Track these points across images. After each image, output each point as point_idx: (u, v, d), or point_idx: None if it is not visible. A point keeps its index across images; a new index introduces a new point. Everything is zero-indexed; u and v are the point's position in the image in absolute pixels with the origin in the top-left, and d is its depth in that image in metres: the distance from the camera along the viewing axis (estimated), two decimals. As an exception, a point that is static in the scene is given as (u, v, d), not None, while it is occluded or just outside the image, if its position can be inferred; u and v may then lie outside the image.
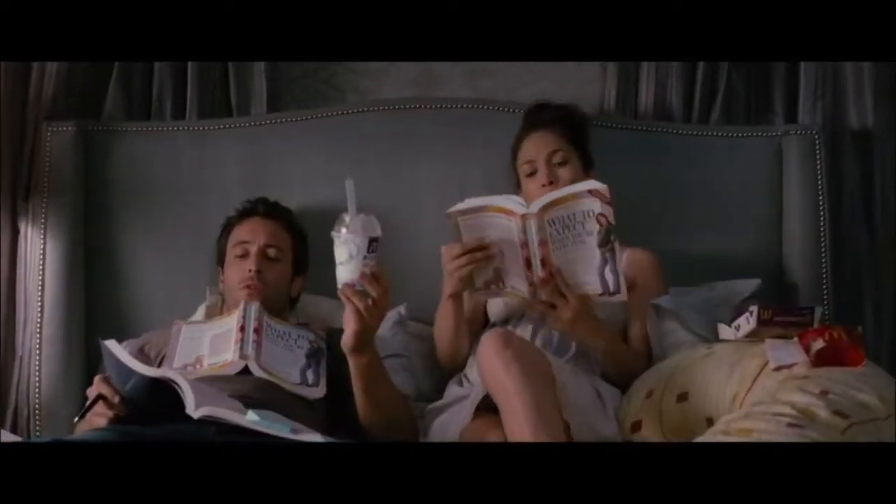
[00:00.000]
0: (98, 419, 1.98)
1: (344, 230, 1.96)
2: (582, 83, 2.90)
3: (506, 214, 2.15)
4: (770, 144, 2.80)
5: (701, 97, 2.88)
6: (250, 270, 2.38)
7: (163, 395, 1.89)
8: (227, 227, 2.52)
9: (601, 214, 2.12)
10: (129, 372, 1.91)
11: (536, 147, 2.50)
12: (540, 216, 2.12)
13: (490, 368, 2.05)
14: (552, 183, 2.43)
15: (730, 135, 2.83)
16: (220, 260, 2.51)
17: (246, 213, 2.51)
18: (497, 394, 2.04)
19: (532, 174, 2.49)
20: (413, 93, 2.91)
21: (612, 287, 2.16)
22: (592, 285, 2.17)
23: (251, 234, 2.44)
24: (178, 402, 1.86)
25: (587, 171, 2.51)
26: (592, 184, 2.13)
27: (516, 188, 2.56)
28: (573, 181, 2.39)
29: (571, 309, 2.17)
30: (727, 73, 2.88)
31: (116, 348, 1.95)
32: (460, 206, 2.19)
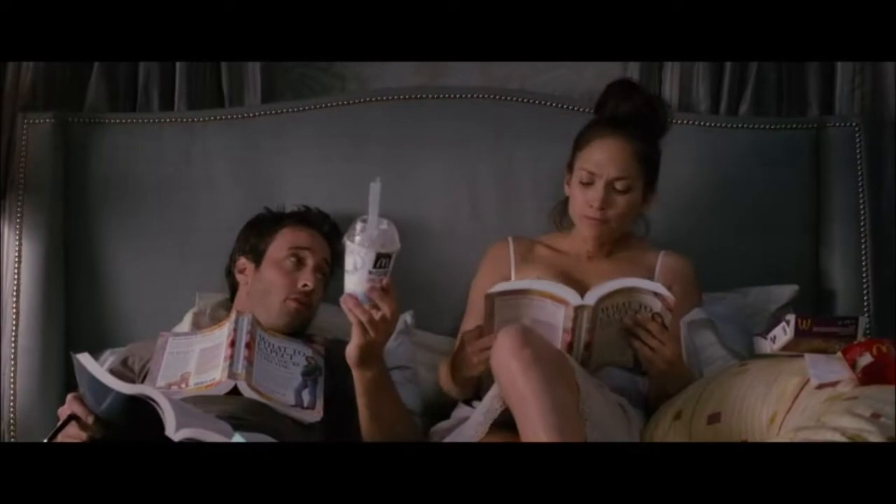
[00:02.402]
0: (70, 441, 1.87)
1: (356, 238, 1.88)
2: (602, 70, 2.75)
3: (553, 301, 2.04)
4: (805, 138, 2.70)
5: (730, 87, 2.77)
6: (305, 285, 2.28)
7: (142, 414, 1.77)
8: (276, 224, 2.39)
9: (658, 314, 2.06)
10: (104, 389, 1.80)
11: (603, 161, 2.30)
12: (595, 307, 2.03)
13: (506, 370, 1.90)
14: (604, 209, 2.29)
15: (761, 127, 2.71)
16: (250, 252, 2.38)
17: (305, 220, 2.40)
18: (512, 398, 1.90)
19: (589, 184, 2.31)
20: (418, 81, 2.80)
21: (643, 365, 2.13)
22: (626, 357, 2.13)
23: (312, 245, 2.34)
24: (159, 423, 1.75)
25: (647, 199, 2.36)
26: (659, 288, 2.06)
27: (566, 170, 2.39)
28: (627, 212, 2.31)
29: (669, 353, 2.08)
30: (758, 62, 2.76)
31: (90, 363, 1.83)
32: (502, 286, 2.08)
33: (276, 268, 2.31)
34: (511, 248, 2.42)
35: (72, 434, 1.86)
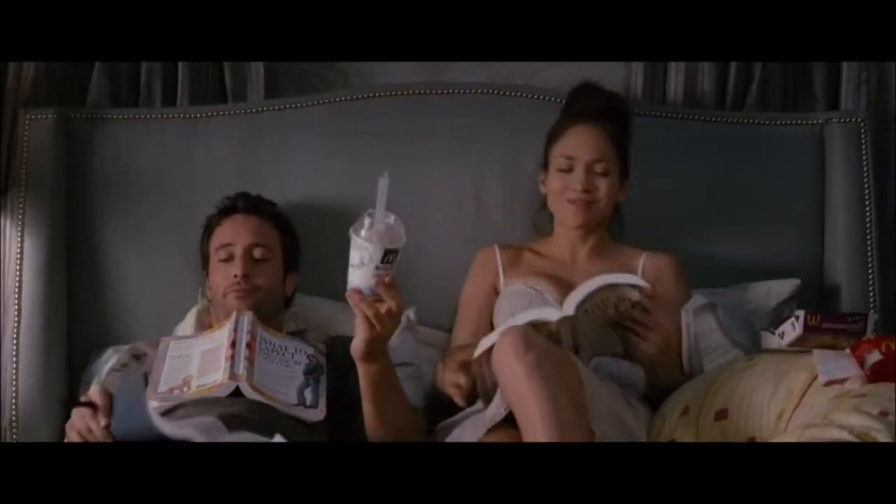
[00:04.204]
0: (74, 435, 1.84)
1: (362, 233, 1.85)
2: (607, 66, 2.73)
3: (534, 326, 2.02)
4: (811, 133, 2.68)
5: (735, 82, 2.75)
6: (236, 276, 2.26)
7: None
8: (208, 229, 2.39)
9: (638, 303, 2.07)
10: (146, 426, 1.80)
11: (581, 145, 2.37)
12: (576, 314, 2.02)
13: (509, 374, 1.89)
14: (588, 191, 2.34)
15: (766, 122, 2.70)
16: (204, 265, 2.39)
17: (226, 211, 2.38)
18: (515, 402, 1.89)
19: (568, 171, 2.37)
20: (421, 77, 2.77)
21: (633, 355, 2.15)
22: (615, 347, 2.13)
23: (234, 235, 2.32)
24: None
25: (623, 181, 2.41)
26: (634, 279, 2.09)
27: (540, 170, 2.46)
28: (609, 195, 2.37)
29: (658, 337, 2.09)
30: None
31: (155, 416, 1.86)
32: (486, 345, 2.04)
33: (213, 271, 2.32)
34: (498, 255, 2.43)
35: (79, 426, 1.81)
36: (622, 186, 2.41)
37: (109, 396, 1.84)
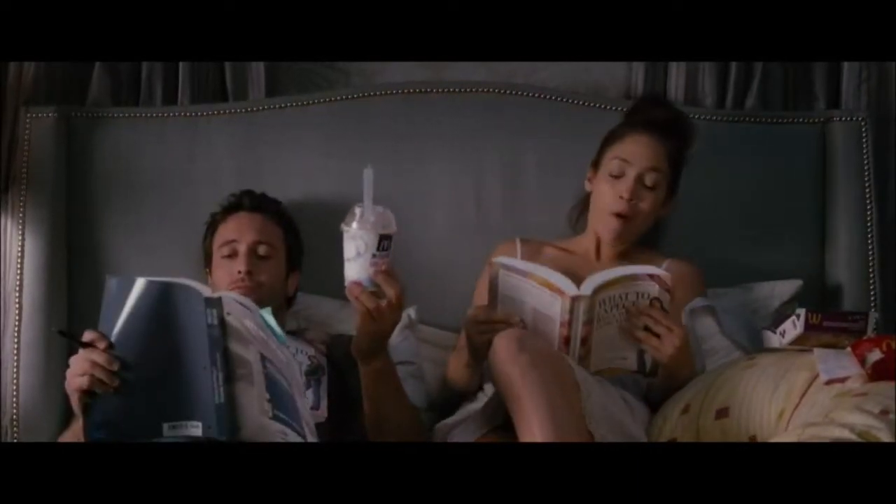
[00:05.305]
0: (78, 380, 1.75)
1: (354, 224, 1.85)
2: (608, 65, 2.74)
3: (551, 291, 2.02)
4: (811, 132, 2.66)
5: (736, 81, 2.73)
6: (239, 272, 2.25)
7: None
8: (212, 226, 2.39)
9: (656, 299, 2.06)
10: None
11: (638, 151, 2.33)
12: (592, 298, 2.01)
13: (504, 375, 1.89)
14: (632, 200, 2.30)
15: (767, 121, 2.68)
16: (207, 262, 2.38)
17: (231, 208, 2.38)
18: (510, 403, 1.89)
19: (618, 176, 2.33)
20: (422, 76, 2.75)
21: (647, 368, 2.11)
22: (629, 361, 2.10)
23: (238, 232, 2.31)
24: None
25: (667, 201, 2.39)
26: (655, 270, 2.07)
27: (591, 167, 2.42)
28: (651, 210, 2.33)
29: (677, 339, 2.05)
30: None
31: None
32: (507, 260, 2.11)
33: (217, 269, 2.31)
34: (519, 248, 2.42)
35: (81, 369, 1.74)
36: (665, 204, 2.38)
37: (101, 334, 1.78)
